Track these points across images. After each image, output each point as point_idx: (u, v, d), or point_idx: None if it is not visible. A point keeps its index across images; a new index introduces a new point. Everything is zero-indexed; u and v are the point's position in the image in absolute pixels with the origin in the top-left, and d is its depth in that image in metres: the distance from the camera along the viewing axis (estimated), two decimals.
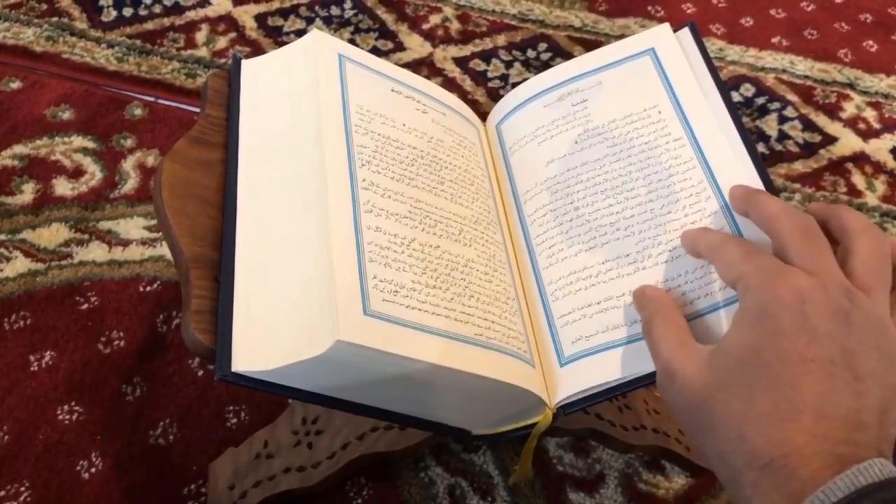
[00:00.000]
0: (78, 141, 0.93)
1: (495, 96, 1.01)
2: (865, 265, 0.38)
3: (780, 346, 0.34)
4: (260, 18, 1.10)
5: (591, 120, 0.55)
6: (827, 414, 0.33)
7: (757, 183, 0.48)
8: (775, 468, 0.32)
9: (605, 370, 0.45)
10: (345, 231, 0.45)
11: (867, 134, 1.02)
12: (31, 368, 0.74)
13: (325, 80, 0.52)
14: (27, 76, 0.99)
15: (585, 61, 0.58)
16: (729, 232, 0.46)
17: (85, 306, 0.79)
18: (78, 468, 0.69)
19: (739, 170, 0.49)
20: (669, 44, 0.56)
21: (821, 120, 1.03)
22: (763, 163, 0.49)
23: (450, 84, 1.04)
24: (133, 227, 0.85)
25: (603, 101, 0.56)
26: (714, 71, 0.54)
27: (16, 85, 0.98)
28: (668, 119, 0.53)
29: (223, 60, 1.04)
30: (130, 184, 0.89)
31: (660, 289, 0.45)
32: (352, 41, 1.08)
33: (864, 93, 1.07)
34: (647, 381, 0.44)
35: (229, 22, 1.09)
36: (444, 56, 1.08)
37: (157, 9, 1.10)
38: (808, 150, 1.00)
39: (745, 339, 0.36)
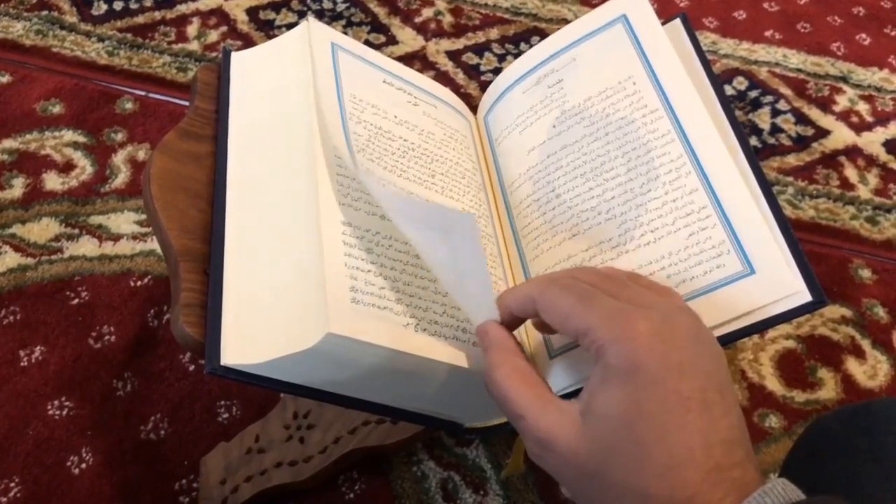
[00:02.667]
0: (68, 135, 0.92)
1: None
2: (657, 283, 0.40)
3: (659, 394, 0.34)
4: (251, 12, 1.10)
5: (567, 101, 0.54)
6: (712, 442, 0.34)
7: (743, 163, 0.48)
8: None
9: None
10: (335, 223, 0.44)
11: (860, 127, 1.02)
12: (22, 364, 0.74)
13: (320, 67, 0.52)
14: (17, 70, 0.98)
15: (559, 38, 0.57)
16: (712, 211, 0.46)
17: (75, 301, 0.78)
18: (68, 464, 0.68)
19: (717, 138, 0.48)
20: (641, 7, 0.54)
21: (813, 113, 1.03)
22: (756, 156, 0.49)
23: (442, 77, 1.04)
24: (124, 221, 0.85)
25: (578, 79, 0.55)
26: (707, 64, 0.53)
27: (5, 79, 0.97)
28: (644, 90, 0.52)
29: (214, 54, 1.03)
30: (121, 178, 0.89)
31: (501, 329, 0.41)
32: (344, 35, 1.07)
33: (857, 86, 1.07)
34: None
35: (220, 16, 1.09)
36: (437, 50, 1.08)
37: (148, 2, 1.09)
38: (801, 143, 1.00)
39: (621, 398, 0.35)
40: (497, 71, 1.05)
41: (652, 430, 0.34)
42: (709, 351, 0.36)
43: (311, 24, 0.54)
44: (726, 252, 0.45)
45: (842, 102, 1.05)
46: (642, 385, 0.34)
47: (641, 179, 0.49)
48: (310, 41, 0.53)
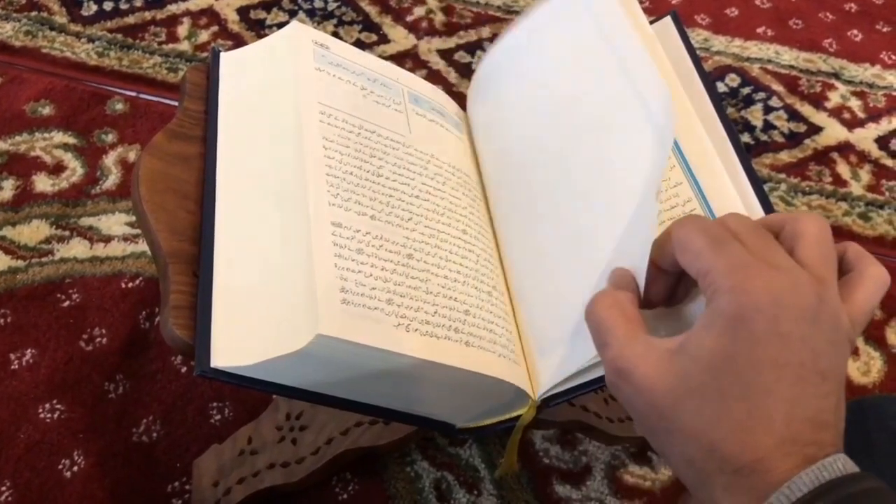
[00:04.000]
0: (58, 137, 0.92)
1: None
2: (818, 253, 0.37)
3: (755, 354, 0.34)
4: (242, 12, 1.09)
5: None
6: (796, 417, 0.33)
7: (734, 160, 0.47)
8: (748, 472, 0.33)
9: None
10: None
11: (852, 123, 1.02)
12: (12, 367, 0.73)
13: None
14: (6, 71, 0.98)
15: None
16: (697, 204, 0.46)
17: (66, 304, 0.78)
18: (60, 467, 0.68)
19: (702, 133, 0.48)
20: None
21: (806, 110, 1.03)
22: (748, 153, 0.49)
23: (434, 76, 1.04)
24: (115, 223, 0.85)
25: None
26: (697, 61, 0.53)
27: None
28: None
29: (205, 54, 1.03)
30: (112, 179, 0.88)
31: (626, 271, 0.41)
32: (335, 34, 1.07)
33: (849, 82, 1.07)
34: None
35: (211, 15, 1.08)
36: (429, 48, 1.07)
37: (138, 2, 1.09)
38: (794, 140, 1.00)
39: (717, 345, 0.34)
40: None
41: (736, 385, 0.33)
42: (826, 334, 0.35)
43: (296, 29, 0.54)
44: None
45: (834, 99, 1.05)
46: (741, 339, 0.34)
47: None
48: (295, 48, 0.53)
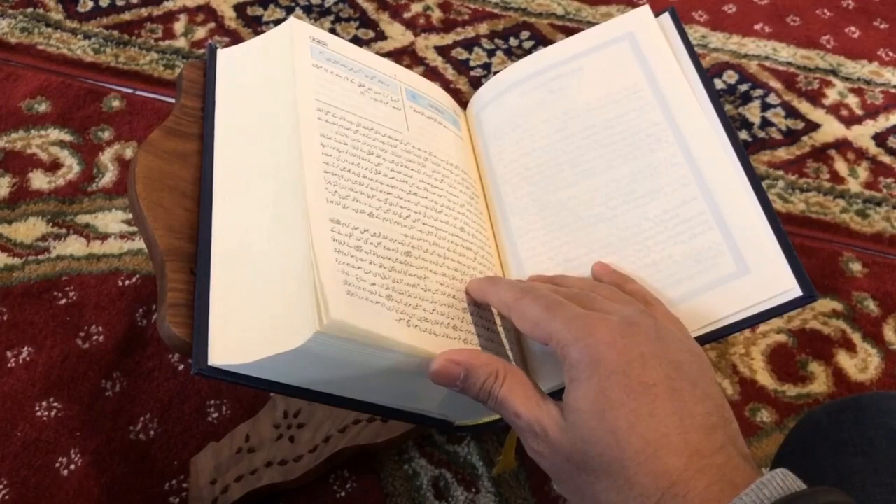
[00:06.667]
0: (54, 133, 0.91)
1: (477, 85, 1.01)
2: (628, 293, 0.43)
3: (623, 384, 0.35)
4: (239, 8, 1.09)
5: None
6: (688, 428, 0.34)
7: (733, 157, 0.49)
8: (668, 499, 0.33)
9: None
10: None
11: (850, 120, 1.02)
12: (9, 365, 0.73)
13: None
14: (2, 68, 0.97)
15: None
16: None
17: (63, 301, 0.78)
18: (57, 465, 0.68)
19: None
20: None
21: (804, 107, 1.03)
22: (745, 150, 0.49)
23: (432, 73, 1.03)
24: (111, 220, 0.84)
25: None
26: (695, 58, 0.54)
27: None
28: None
29: (202, 51, 1.03)
30: (108, 177, 0.88)
31: (473, 349, 0.43)
32: (332, 31, 1.07)
33: (847, 79, 1.07)
34: None
35: (208, 12, 1.08)
36: (426, 45, 1.07)
37: None
38: (791, 136, 1.00)
39: (589, 390, 0.36)
40: (486, 66, 1.05)
41: (622, 417, 0.35)
42: (676, 347, 0.38)
43: (293, 26, 0.54)
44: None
45: (831, 96, 1.05)
46: (605, 375, 0.36)
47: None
48: (292, 44, 0.53)
